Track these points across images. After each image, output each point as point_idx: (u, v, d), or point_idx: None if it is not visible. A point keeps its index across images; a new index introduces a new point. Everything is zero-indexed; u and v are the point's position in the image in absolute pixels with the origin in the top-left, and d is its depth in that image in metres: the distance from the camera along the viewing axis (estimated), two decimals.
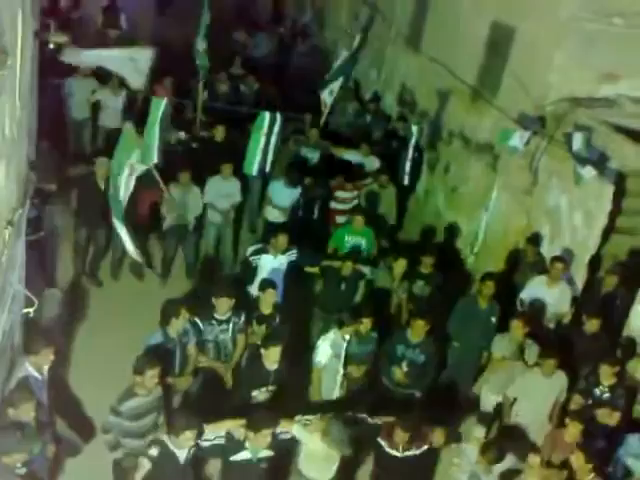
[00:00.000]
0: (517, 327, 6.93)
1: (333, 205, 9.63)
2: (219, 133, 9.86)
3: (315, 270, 8.09)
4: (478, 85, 9.99)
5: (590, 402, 6.56)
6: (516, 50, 9.22)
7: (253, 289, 7.59)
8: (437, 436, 5.76)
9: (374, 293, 8.10)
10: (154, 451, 5.15)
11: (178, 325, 6.15)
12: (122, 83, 9.97)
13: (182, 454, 5.23)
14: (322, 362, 6.62)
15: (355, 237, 8.50)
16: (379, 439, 5.77)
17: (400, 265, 7.89)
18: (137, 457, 5.28)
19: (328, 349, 6.60)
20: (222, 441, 5.35)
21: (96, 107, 10.68)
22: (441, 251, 8.91)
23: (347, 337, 6.64)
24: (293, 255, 7.77)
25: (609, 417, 6.48)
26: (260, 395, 6.16)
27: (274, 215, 9.25)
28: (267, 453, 5.39)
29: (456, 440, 6.10)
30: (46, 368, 5.70)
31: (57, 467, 6.00)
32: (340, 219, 9.57)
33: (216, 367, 6.66)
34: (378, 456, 5.97)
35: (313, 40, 15.65)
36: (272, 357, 6.05)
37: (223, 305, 6.49)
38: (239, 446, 5.32)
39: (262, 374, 6.12)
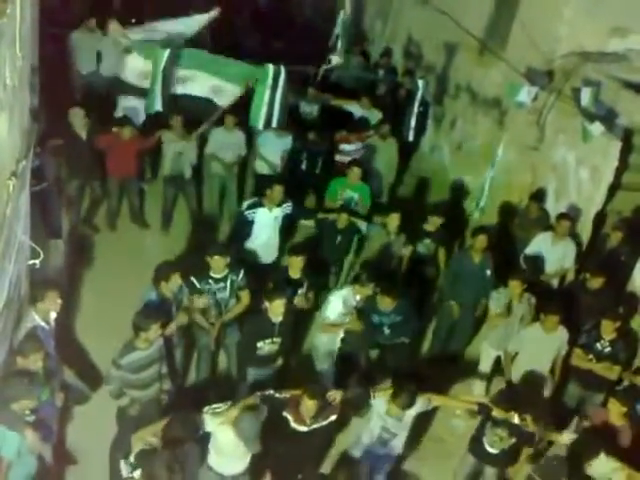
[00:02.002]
0: (515, 286, 6.93)
1: (338, 158, 9.53)
2: None
3: (310, 223, 8.03)
4: (486, 38, 9.82)
5: (591, 356, 6.63)
6: (525, 2, 9.04)
7: (250, 243, 7.59)
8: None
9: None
10: None
11: (170, 287, 6.15)
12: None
13: None
14: (330, 317, 6.67)
15: (349, 191, 8.42)
16: (285, 413, 5.40)
17: (394, 219, 7.81)
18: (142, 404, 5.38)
19: (340, 306, 6.64)
20: None
21: (98, 58, 10.56)
22: (448, 209, 8.89)
23: (358, 297, 6.67)
24: (288, 208, 7.72)
25: (610, 371, 6.56)
26: (265, 346, 6.24)
27: (264, 168, 9.11)
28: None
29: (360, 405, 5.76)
30: (53, 316, 5.78)
31: (66, 414, 6.11)
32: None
33: (203, 324, 6.63)
34: (282, 432, 5.46)
35: None
36: (276, 309, 6.09)
37: (217, 263, 6.44)
38: None
39: (267, 326, 6.18)
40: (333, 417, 5.55)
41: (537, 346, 6.66)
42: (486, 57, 9.82)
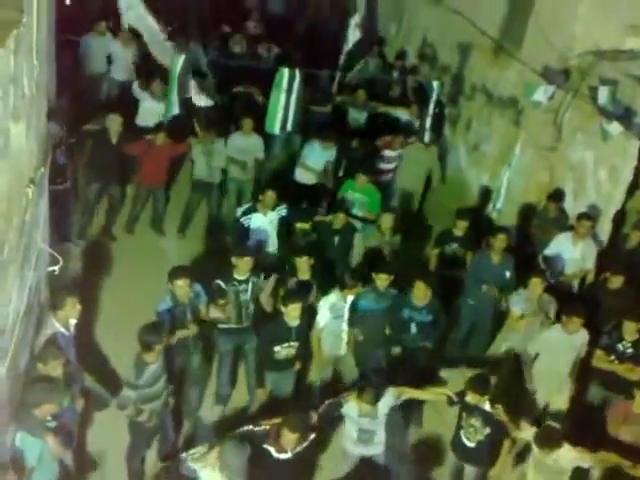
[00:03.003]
0: (536, 284, 6.87)
1: (381, 165, 9.53)
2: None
3: (306, 226, 8.04)
4: (501, 38, 9.77)
5: (613, 357, 6.56)
6: (540, 2, 8.98)
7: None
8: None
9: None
10: None
11: (180, 292, 6.11)
12: (134, 35, 9.96)
13: None
14: (320, 324, 6.64)
15: (355, 193, 8.43)
16: (265, 446, 5.25)
17: (387, 219, 7.84)
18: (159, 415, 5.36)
19: (327, 312, 6.62)
20: None
21: (109, 60, 10.67)
22: (474, 213, 8.84)
23: (349, 298, 6.66)
24: (283, 210, 7.75)
25: (632, 372, 6.48)
26: (282, 351, 6.25)
27: (305, 177, 9.13)
28: None
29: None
30: (73, 322, 5.79)
31: (86, 420, 6.15)
32: (384, 178, 9.52)
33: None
34: (264, 463, 5.31)
35: None
36: (292, 314, 6.10)
37: (245, 265, 6.45)
38: None
39: (283, 330, 6.19)
40: (312, 435, 5.49)
41: (558, 348, 6.58)
42: (501, 57, 9.77)
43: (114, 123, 8.29)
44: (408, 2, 12.48)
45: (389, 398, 5.69)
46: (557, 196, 8.38)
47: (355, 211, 8.39)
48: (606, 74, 8.01)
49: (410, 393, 5.96)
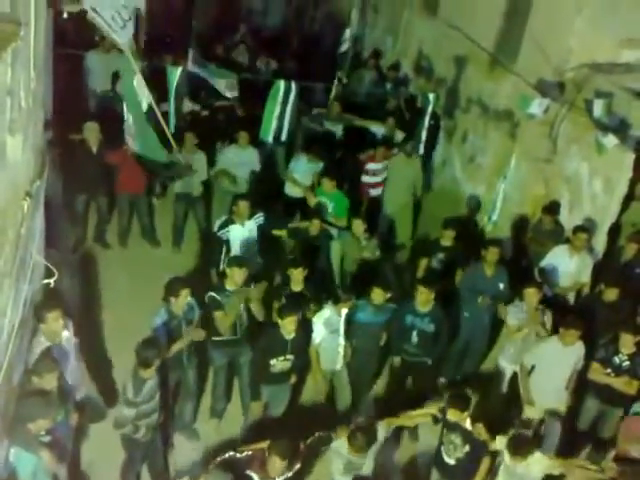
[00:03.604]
0: (531, 294, 6.87)
1: (365, 179, 9.56)
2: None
3: (282, 233, 8.04)
4: (496, 51, 9.81)
5: (609, 370, 6.55)
6: (535, 15, 9.02)
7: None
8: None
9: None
10: None
11: (180, 304, 6.09)
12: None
13: None
14: (317, 340, 6.59)
15: (322, 198, 8.49)
16: (249, 472, 5.10)
17: (357, 225, 7.84)
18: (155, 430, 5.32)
19: (322, 328, 6.57)
20: None
21: (115, 77, 10.67)
22: (462, 224, 8.86)
23: (343, 312, 6.62)
24: (260, 218, 7.73)
25: (629, 385, 6.47)
26: (278, 364, 6.22)
27: (294, 191, 9.17)
28: None
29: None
30: (66, 335, 5.69)
31: (80, 434, 6.10)
32: (373, 192, 9.58)
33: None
34: None
35: (328, 7, 15.43)
36: (289, 327, 6.07)
37: (239, 276, 6.39)
38: None
39: (279, 343, 6.15)
40: (298, 466, 5.40)
41: (554, 360, 6.57)
42: (497, 70, 9.80)
43: (92, 132, 8.29)
44: (404, 15, 12.53)
45: (380, 434, 5.61)
46: (553, 209, 8.40)
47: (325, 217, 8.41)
48: (601, 87, 8.04)
49: (400, 421, 5.96)
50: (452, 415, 5.66)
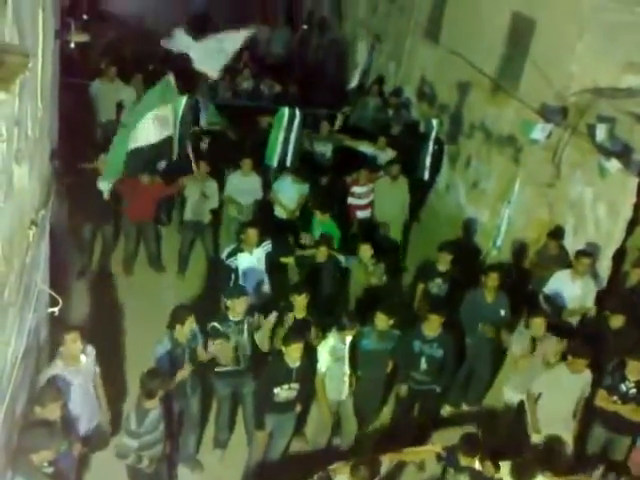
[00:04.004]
0: (539, 325, 6.81)
1: (350, 201, 9.57)
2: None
3: (290, 260, 8.01)
4: (499, 77, 9.88)
5: (616, 398, 6.48)
6: (537, 41, 9.09)
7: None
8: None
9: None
10: None
11: (184, 331, 6.04)
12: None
13: None
14: (322, 369, 6.49)
15: (323, 226, 8.51)
16: None
17: (365, 250, 7.83)
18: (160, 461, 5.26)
19: (327, 356, 6.49)
20: None
21: (119, 107, 10.78)
22: (460, 246, 8.85)
23: (348, 339, 6.54)
24: (268, 246, 7.70)
25: (636, 413, 6.40)
26: (282, 392, 6.15)
27: (281, 212, 9.18)
28: None
29: None
30: (84, 360, 5.70)
31: (83, 465, 6.06)
32: (361, 214, 9.57)
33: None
34: None
35: (332, 34, 15.60)
36: (293, 354, 6.01)
37: (239, 306, 6.35)
38: None
39: (283, 371, 6.10)
40: None
41: (562, 388, 6.52)
42: (499, 95, 9.86)
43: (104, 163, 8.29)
44: (407, 42, 12.65)
45: (383, 468, 5.52)
46: (557, 234, 8.39)
47: None
48: (604, 112, 8.07)
49: (402, 456, 5.90)
50: (464, 461, 5.58)
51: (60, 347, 5.62)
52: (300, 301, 6.80)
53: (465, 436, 5.72)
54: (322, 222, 8.54)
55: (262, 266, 7.69)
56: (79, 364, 5.69)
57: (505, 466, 5.56)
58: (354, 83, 10.43)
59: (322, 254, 7.83)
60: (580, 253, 7.67)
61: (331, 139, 10.33)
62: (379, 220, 9.59)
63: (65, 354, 5.60)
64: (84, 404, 5.75)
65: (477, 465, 5.60)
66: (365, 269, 7.89)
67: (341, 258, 8.08)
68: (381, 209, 9.56)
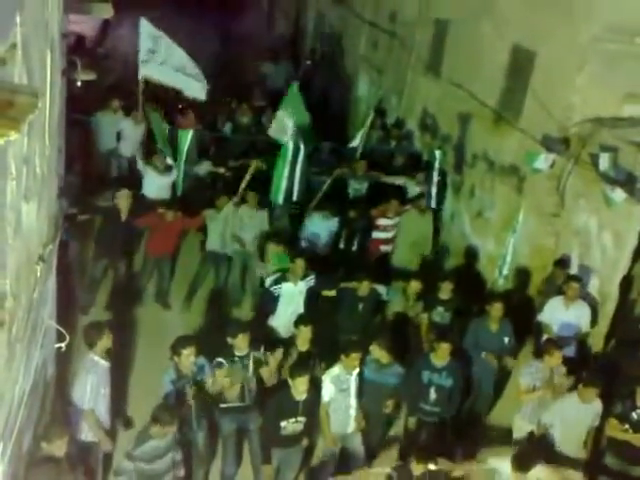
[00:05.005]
0: (554, 357, 6.74)
1: (375, 235, 9.58)
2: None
3: (332, 293, 8.04)
4: (500, 108, 9.96)
5: (627, 426, 6.42)
6: (537, 73, 9.18)
7: (274, 320, 7.55)
8: None
9: (393, 320, 8.05)
10: None
11: (184, 362, 6.04)
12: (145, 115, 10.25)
13: None
14: (325, 398, 6.42)
15: (276, 257, 8.42)
16: None
17: (414, 286, 7.89)
18: None
19: (330, 385, 6.42)
20: None
21: (118, 137, 10.92)
22: (462, 274, 8.85)
23: (355, 372, 6.49)
24: (312, 280, 7.73)
25: None
26: (289, 426, 6.11)
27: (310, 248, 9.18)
28: None
29: None
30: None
31: None
32: (384, 248, 9.60)
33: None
34: None
35: (334, 68, 15.79)
36: (300, 387, 5.98)
37: (241, 342, 6.34)
38: None
39: (290, 405, 6.05)
40: None
41: (573, 417, 6.47)
42: (501, 126, 9.93)
43: (123, 199, 8.37)
44: (408, 75, 12.79)
45: None
46: (563, 262, 8.40)
47: None
48: (606, 141, 8.12)
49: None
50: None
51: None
52: (304, 333, 6.79)
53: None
54: (277, 254, 8.46)
55: (302, 299, 7.70)
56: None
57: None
58: (355, 144, 10.52)
59: (365, 288, 7.81)
60: (570, 278, 7.77)
61: (367, 177, 10.39)
62: (396, 255, 9.62)
63: (99, 349, 5.89)
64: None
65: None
66: (406, 303, 7.95)
67: (382, 291, 8.08)
68: (405, 240, 9.56)
